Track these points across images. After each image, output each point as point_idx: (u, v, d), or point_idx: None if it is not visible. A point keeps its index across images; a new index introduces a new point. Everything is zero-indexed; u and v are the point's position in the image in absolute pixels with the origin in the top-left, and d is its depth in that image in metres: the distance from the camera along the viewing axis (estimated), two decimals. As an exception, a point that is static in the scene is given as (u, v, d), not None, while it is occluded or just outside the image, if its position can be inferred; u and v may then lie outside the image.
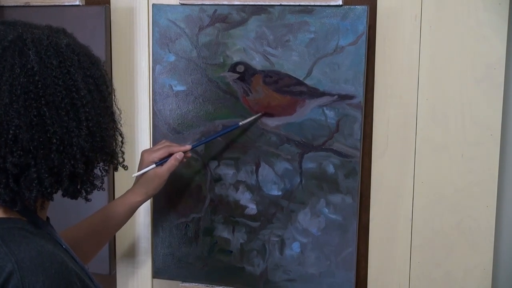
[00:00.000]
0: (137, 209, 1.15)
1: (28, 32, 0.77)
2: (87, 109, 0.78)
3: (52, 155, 0.75)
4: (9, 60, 0.74)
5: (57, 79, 0.76)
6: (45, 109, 0.74)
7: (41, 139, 0.74)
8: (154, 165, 1.11)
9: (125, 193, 1.14)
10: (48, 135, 0.75)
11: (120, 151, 0.90)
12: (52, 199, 0.80)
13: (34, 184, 0.75)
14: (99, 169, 0.86)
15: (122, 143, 0.91)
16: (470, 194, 1.16)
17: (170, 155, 1.12)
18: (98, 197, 1.30)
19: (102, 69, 0.85)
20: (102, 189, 0.86)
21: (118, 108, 0.89)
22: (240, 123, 1.19)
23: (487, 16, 1.11)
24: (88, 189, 0.83)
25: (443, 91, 1.16)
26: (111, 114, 0.85)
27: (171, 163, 1.12)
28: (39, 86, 0.74)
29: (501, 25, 1.11)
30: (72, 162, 0.77)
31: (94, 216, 1.12)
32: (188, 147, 1.14)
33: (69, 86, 0.77)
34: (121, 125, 0.90)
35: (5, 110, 0.72)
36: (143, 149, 1.33)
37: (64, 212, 1.30)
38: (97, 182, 0.85)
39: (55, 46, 0.77)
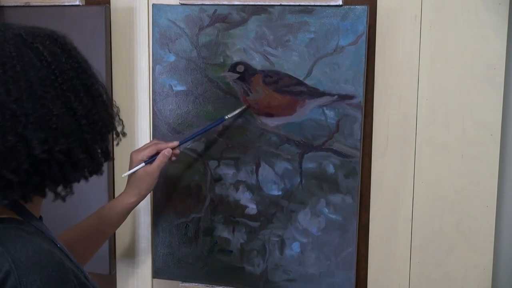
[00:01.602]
0: (131, 210, 1.15)
1: (19, 29, 0.79)
2: (96, 86, 0.82)
3: (85, 136, 0.79)
4: (27, 56, 0.75)
5: (66, 64, 0.78)
6: (68, 94, 0.77)
7: (74, 123, 0.77)
8: (143, 164, 1.11)
9: (119, 195, 1.14)
10: (76, 117, 0.78)
11: (120, 120, 0.93)
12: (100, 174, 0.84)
13: (78, 167, 0.79)
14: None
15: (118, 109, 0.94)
16: (470, 194, 1.16)
17: (158, 152, 1.13)
18: (98, 197, 1.31)
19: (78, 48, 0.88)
20: (110, 159, 0.89)
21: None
22: (226, 117, 1.19)
23: (487, 16, 1.11)
24: (105, 159, 0.86)
25: (443, 91, 1.16)
26: (103, 87, 0.89)
27: (159, 159, 1.12)
28: (57, 74, 0.77)
29: (501, 25, 1.11)
30: (100, 138, 0.82)
31: (89, 218, 1.12)
32: (175, 143, 1.14)
33: (76, 68, 0.80)
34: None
35: (41, 103, 0.74)
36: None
37: (63, 213, 1.30)
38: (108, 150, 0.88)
39: (49, 35, 0.80)
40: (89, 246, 1.11)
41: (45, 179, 0.77)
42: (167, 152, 1.12)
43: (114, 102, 0.91)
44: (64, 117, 0.76)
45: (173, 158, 1.15)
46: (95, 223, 1.11)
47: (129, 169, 1.13)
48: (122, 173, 1.35)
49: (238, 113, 1.19)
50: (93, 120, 0.80)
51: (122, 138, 0.95)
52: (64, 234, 1.06)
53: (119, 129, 0.91)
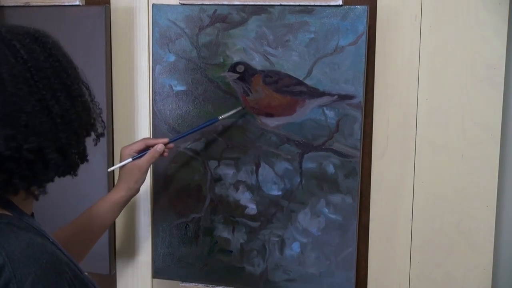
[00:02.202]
0: (123, 205, 1.14)
1: (0, 27, 0.79)
2: (76, 86, 0.82)
3: (59, 135, 0.78)
4: (1, 53, 0.75)
5: (44, 63, 0.78)
6: (43, 93, 0.77)
7: (48, 122, 0.77)
8: (130, 159, 1.12)
9: (109, 192, 1.15)
10: (51, 116, 0.77)
11: (100, 120, 0.92)
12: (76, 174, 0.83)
13: (49, 166, 0.78)
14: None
15: (101, 112, 0.93)
16: (470, 194, 1.16)
17: (148, 148, 1.13)
18: (97, 196, 1.30)
19: (62, 48, 0.87)
20: (86, 161, 0.88)
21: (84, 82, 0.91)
22: (220, 117, 1.18)
23: (487, 16, 1.11)
24: (81, 161, 0.86)
25: (443, 91, 1.16)
26: (86, 87, 0.88)
27: (151, 155, 1.13)
28: (33, 71, 0.77)
29: (501, 25, 1.11)
30: (76, 138, 0.81)
31: (81, 216, 1.12)
32: (166, 139, 1.15)
33: (55, 67, 0.80)
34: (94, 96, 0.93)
35: (12, 100, 0.74)
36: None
37: (62, 213, 1.30)
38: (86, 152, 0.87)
39: (30, 33, 0.80)
40: (83, 243, 1.12)
41: (13, 177, 0.76)
42: (159, 148, 1.13)
43: (96, 103, 0.90)
44: (37, 115, 0.76)
45: (165, 154, 1.15)
46: (87, 220, 1.11)
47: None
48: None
49: (232, 113, 1.19)
50: (69, 119, 0.80)
51: (100, 139, 0.93)
52: (57, 233, 1.06)
53: (99, 130, 0.90)
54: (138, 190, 1.15)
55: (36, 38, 0.80)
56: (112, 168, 1.14)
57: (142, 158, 1.12)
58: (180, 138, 1.19)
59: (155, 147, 1.13)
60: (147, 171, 1.14)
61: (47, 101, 0.77)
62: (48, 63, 0.79)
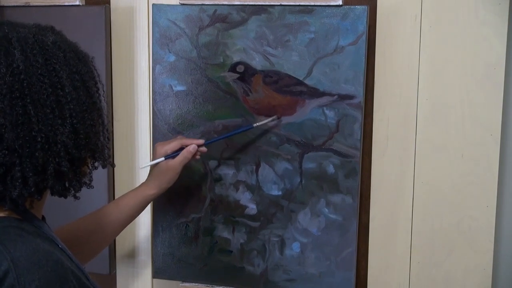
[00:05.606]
0: (149, 202, 1.15)
1: (13, 32, 0.77)
2: (72, 106, 0.78)
3: (37, 154, 0.75)
4: None
5: (42, 77, 0.76)
6: (30, 108, 0.74)
7: (26, 138, 0.74)
8: (162, 159, 1.11)
9: (138, 187, 1.14)
10: (33, 133, 0.74)
11: (106, 147, 0.88)
12: (38, 198, 0.79)
13: (18, 183, 0.74)
14: (87, 166, 0.85)
15: (108, 139, 0.89)
16: (470, 194, 1.16)
17: (182, 148, 1.12)
18: (98, 195, 1.31)
19: (90, 65, 0.84)
20: (90, 187, 0.85)
21: (105, 103, 0.88)
22: (254, 125, 1.18)
23: (487, 16, 1.11)
24: (76, 187, 0.82)
25: (443, 91, 1.16)
26: (98, 109, 0.84)
27: (184, 155, 1.11)
28: (25, 84, 0.74)
29: (501, 25, 1.11)
30: (57, 160, 0.77)
31: (108, 206, 1.12)
32: (201, 141, 1.13)
33: (54, 83, 0.77)
34: (108, 121, 0.89)
35: None
36: (143, 149, 1.34)
37: (61, 213, 1.30)
38: (85, 180, 0.84)
39: (41, 44, 0.77)
40: (105, 236, 1.12)
41: None
42: (192, 148, 1.11)
43: (106, 127, 0.86)
44: (15, 129, 0.73)
45: (197, 157, 1.14)
46: (114, 211, 1.11)
47: (151, 160, 1.13)
48: (121, 174, 1.35)
49: (267, 122, 1.19)
50: (54, 140, 0.76)
51: (96, 167, 0.87)
52: (79, 222, 1.07)
53: (97, 158, 0.85)
54: (167, 189, 1.14)
55: (45, 50, 0.77)
56: (144, 166, 1.12)
57: (176, 159, 1.11)
58: (214, 141, 1.18)
59: (188, 147, 1.11)
60: (179, 172, 1.12)
61: (31, 116, 0.74)
62: (46, 78, 0.76)
